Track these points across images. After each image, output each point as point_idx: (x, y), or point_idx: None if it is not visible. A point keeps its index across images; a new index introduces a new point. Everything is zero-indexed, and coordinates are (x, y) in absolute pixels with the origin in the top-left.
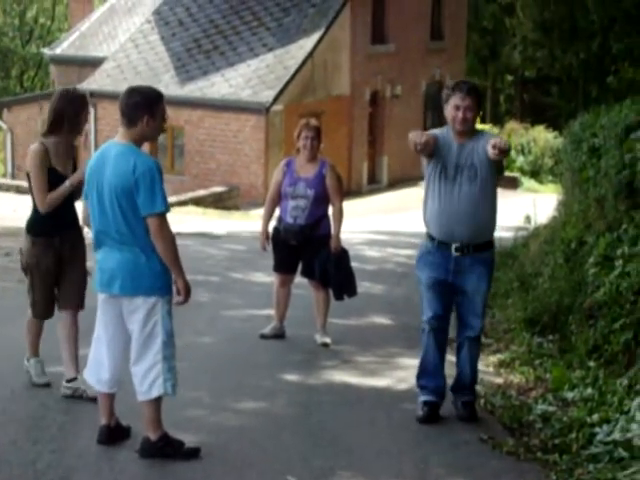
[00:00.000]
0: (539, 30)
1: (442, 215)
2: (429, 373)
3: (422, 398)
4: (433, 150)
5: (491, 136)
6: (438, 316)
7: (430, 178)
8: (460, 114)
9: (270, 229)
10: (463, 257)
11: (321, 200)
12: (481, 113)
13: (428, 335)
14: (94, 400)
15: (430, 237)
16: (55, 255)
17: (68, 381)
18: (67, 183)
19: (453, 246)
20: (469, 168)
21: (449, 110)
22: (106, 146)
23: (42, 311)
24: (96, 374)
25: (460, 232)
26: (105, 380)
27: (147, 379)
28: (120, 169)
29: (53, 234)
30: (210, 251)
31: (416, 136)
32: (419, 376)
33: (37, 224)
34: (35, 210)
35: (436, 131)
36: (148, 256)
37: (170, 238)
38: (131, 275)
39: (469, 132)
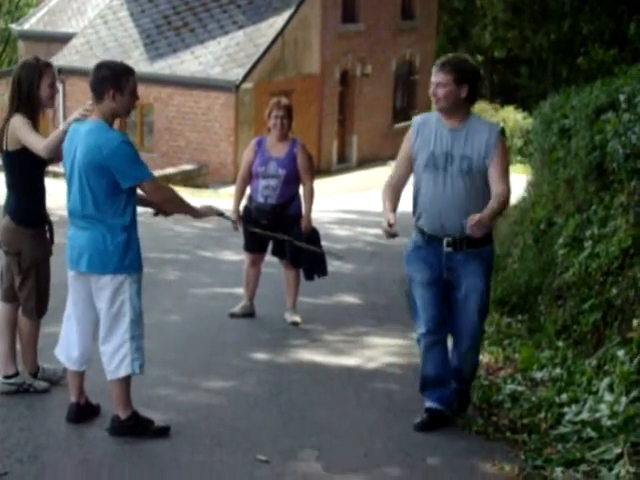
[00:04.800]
0: (510, 11)
1: (432, 207)
2: (431, 384)
3: (426, 404)
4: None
5: (492, 127)
6: (435, 321)
7: (420, 166)
8: (432, 90)
9: (241, 208)
10: (455, 253)
11: (292, 180)
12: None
13: (424, 347)
14: (45, 391)
15: (420, 231)
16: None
17: (8, 377)
18: (62, 126)
19: (445, 240)
20: (461, 159)
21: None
22: (77, 124)
23: (47, 304)
24: (66, 352)
25: (452, 226)
26: (75, 358)
27: (115, 358)
28: (88, 147)
29: (45, 223)
30: (179, 229)
31: (386, 232)
32: (421, 388)
33: (31, 213)
34: (21, 198)
35: (424, 116)
36: (116, 234)
37: (170, 196)
38: (99, 252)
39: (456, 113)
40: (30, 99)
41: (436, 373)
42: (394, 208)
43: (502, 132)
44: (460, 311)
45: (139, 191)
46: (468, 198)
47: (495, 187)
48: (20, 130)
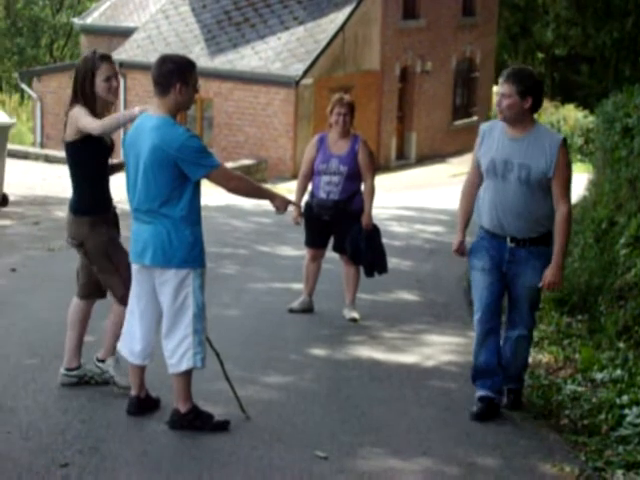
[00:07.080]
0: (573, 8)
1: (492, 211)
2: (483, 373)
3: (478, 393)
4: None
5: (553, 138)
6: (490, 308)
7: (483, 172)
8: (497, 101)
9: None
10: (518, 249)
11: (354, 176)
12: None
13: (479, 334)
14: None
15: (483, 228)
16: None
17: (70, 370)
18: (125, 112)
19: (508, 237)
20: (520, 168)
21: None
22: (142, 119)
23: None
24: (129, 346)
25: (510, 228)
26: (137, 352)
27: (177, 352)
28: (155, 143)
29: (106, 212)
30: (237, 224)
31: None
32: (474, 377)
33: (86, 202)
34: (78, 188)
35: (491, 123)
36: (181, 228)
37: (239, 178)
38: (162, 246)
39: (520, 123)
40: (85, 92)
41: (489, 361)
42: (465, 224)
43: (564, 143)
44: (515, 303)
45: None
46: (526, 204)
47: (557, 204)
48: (77, 117)
